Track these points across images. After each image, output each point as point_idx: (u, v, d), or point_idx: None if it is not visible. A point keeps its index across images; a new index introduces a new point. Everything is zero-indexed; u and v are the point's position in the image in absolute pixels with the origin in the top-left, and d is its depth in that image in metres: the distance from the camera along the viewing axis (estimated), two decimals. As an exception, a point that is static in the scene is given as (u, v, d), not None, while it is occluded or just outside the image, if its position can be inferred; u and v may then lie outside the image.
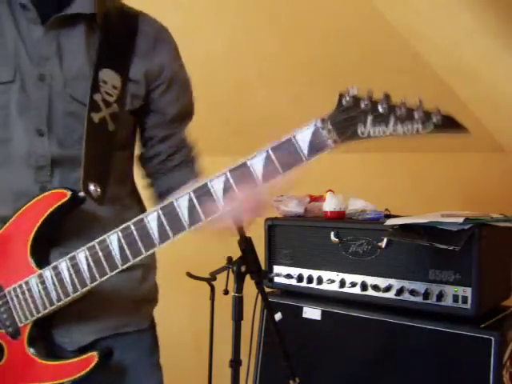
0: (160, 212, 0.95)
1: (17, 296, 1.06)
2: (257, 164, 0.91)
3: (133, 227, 0.97)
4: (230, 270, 1.65)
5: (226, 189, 0.92)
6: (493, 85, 2.00)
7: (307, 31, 2.12)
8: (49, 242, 1.09)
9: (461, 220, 1.61)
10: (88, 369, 1.03)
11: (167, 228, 0.95)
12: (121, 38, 1.16)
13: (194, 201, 0.94)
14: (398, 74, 2.00)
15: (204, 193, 0.94)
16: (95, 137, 1.08)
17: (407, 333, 1.72)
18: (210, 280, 1.89)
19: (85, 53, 1.12)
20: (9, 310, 1.07)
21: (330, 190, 1.98)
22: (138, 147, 1.30)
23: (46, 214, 1.05)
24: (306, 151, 0.89)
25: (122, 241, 0.97)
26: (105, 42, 1.14)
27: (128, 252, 0.97)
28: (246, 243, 1.56)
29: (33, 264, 1.05)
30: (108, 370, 1.12)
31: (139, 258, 0.98)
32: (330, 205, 1.96)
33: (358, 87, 0.87)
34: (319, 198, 2.09)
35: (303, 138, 0.89)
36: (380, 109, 0.84)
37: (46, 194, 1.06)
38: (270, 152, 0.90)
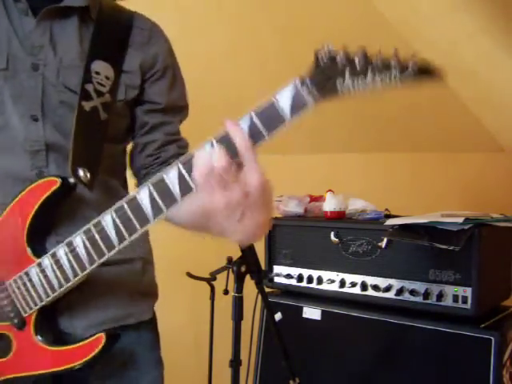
0: (151, 187, 0.94)
1: (18, 288, 1.07)
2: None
3: (126, 205, 0.96)
4: (230, 269, 1.66)
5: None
6: (493, 85, 2.00)
7: (307, 31, 2.12)
8: (44, 230, 1.09)
9: (461, 220, 1.61)
10: (98, 349, 1.03)
11: (160, 202, 0.94)
12: (115, 32, 1.17)
13: (183, 172, 0.92)
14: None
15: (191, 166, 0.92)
16: (86, 124, 1.09)
17: (407, 333, 1.72)
18: (210, 280, 1.90)
19: (78, 44, 1.13)
20: (12, 302, 1.07)
21: (329, 190, 1.99)
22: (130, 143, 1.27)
23: (38, 203, 1.05)
24: (287, 111, 0.89)
25: (117, 220, 0.97)
26: (99, 35, 1.14)
27: (123, 230, 0.97)
28: (245, 243, 1.56)
29: (30, 254, 1.06)
30: (110, 364, 1.12)
31: (135, 236, 0.98)
32: (329, 205, 1.96)
33: (332, 43, 0.88)
34: (319, 198, 2.09)
35: (284, 98, 0.89)
36: (356, 61, 0.85)
37: (38, 182, 1.06)
38: (253, 116, 0.90)
